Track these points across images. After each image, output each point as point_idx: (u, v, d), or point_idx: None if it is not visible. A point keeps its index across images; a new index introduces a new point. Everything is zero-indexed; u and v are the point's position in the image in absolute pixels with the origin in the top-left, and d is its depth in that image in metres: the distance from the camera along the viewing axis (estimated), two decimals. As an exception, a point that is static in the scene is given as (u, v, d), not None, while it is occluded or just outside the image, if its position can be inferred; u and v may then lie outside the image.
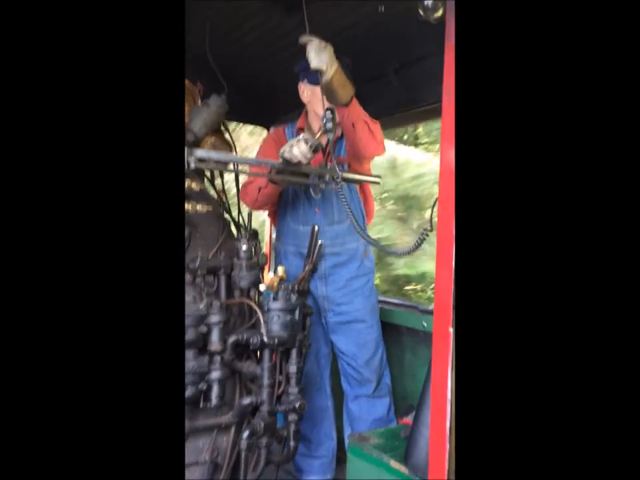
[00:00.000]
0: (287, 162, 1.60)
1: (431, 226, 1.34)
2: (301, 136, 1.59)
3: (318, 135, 1.62)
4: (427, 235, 1.34)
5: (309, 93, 1.87)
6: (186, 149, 1.43)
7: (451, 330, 0.94)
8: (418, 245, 1.32)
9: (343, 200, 1.56)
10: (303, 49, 1.65)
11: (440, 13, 1.32)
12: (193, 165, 1.42)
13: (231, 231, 1.90)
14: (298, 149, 1.56)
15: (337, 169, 1.59)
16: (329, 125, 1.51)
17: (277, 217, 2.06)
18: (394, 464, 1.34)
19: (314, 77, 1.69)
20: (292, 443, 1.67)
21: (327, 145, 1.84)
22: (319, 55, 1.53)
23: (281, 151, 1.60)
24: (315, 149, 1.58)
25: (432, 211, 1.20)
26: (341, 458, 2.14)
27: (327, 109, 1.55)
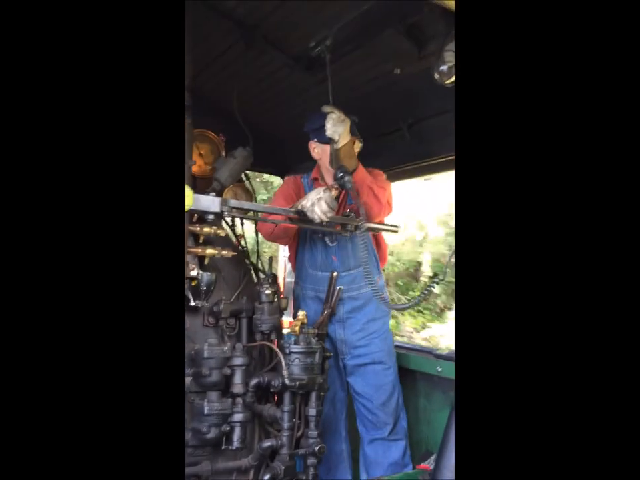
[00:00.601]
0: (305, 215, 1.71)
1: (444, 275, 1.42)
2: (322, 194, 1.69)
3: (334, 193, 1.73)
4: (435, 285, 1.43)
5: (319, 151, 1.97)
6: (219, 198, 1.52)
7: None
8: (423, 298, 1.39)
9: (362, 243, 1.66)
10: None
11: (454, 78, 1.44)
12: (226, 214, 1.51)
13: (251, 275, 1.98)
14: (319, 209, 1.68)
15: (357, 218, 1.69)
16: (348, 184, 1.65)
17: (296, 262, 2.14)
18: (415, 508, 1.36)
19: (324, 136, 1.84)
20: (310, 487, 1.68)
21: (341, 196, 1.94)
22: (335, 126, 1.76)
23: (302, 205, 1.70)
24: (333, 209, 1.70)
25: (448, 260, 1.26)
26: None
27: (338, 168, 1.69)
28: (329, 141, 1.80)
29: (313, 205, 1.67)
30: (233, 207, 1.52)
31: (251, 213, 1.87)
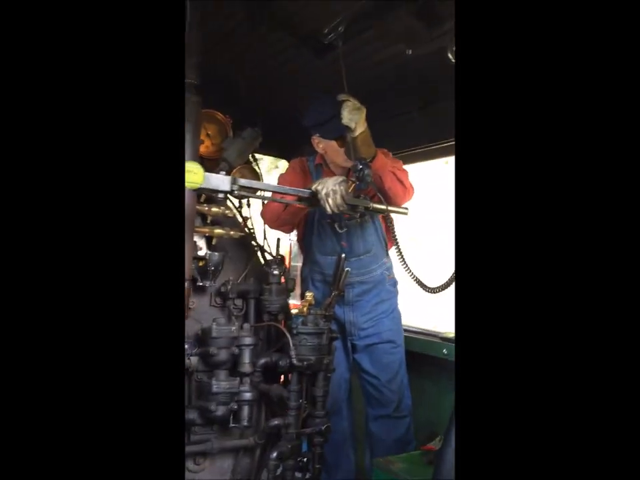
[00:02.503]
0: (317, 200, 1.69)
1: None
2: (339, 186, 1.65)
3: (351, 187, 1.69)
4: None
5: (323, 146, 1.94)
6: (229, 177, 1.51)
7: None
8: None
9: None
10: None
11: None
12: (236, 193, 1.51)
13: (258, 257, 1.98)
14: (333, 202, 1.64)
15: (366, 200, 1.68)
16: (368, 178, 1.62)
17: (304, 246, 2.14)
18: (420, 488, 1.37)
19: (327, 132, 1.83)
20: (316, 466, 1.69)
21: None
22: (352, 114, 1.68)
23: (316, 189, 1.67)
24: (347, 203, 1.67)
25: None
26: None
27: (358, 160, 1.65)
28: (331, 136, 1.77)
29: (327, 195, 1.64)
30: (243, 186, 1.51)
31: (260, 193, 1.86)
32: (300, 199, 1.71)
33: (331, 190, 1.64)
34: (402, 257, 1.75)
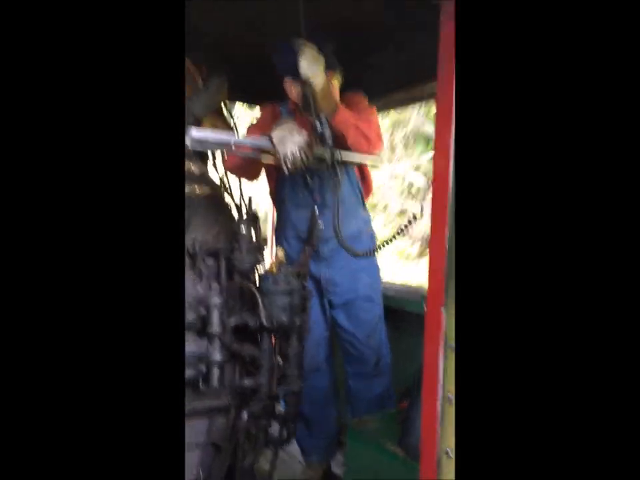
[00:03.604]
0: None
1: (421, 214, 1.33)
2: (299, 143, 1.54)
3: (312, 144, 1.57)
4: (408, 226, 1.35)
5: (297, 90, 1.80)
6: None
7: (443, 310, 0.93)
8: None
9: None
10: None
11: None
12: (189, 146, 1.41)
13: (231, 214, 1.90)
14: (292, 164, 1.53)
15: (336, 152, 1.57)
16: (326, 132, 1.50)
17: (277, 201, 2.05)
18: (390, 446, 1.35)
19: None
20: (290, 425, 1.68)
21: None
22: (311, 66, 1.53)
23: (274, 142, 1.56)
24: (309, 163, 1.55)
25: (423, 199, 1.17)
26: (342, 440, 2.16)
27: (317, 118, 1.53)
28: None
29: (286, 156, 1.52)
30: (197, 139, 1.41)
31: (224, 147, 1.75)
32: (261, 151, 1.61)
33: (290, 152, 1.52)
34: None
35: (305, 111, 1.69)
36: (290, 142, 1.53)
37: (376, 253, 1.48)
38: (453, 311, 0.92)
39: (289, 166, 1.53)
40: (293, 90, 1.82)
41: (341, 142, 1.65)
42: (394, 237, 1.45)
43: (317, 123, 1.52)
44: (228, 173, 1.92)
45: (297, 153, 1.52)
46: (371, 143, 1.73)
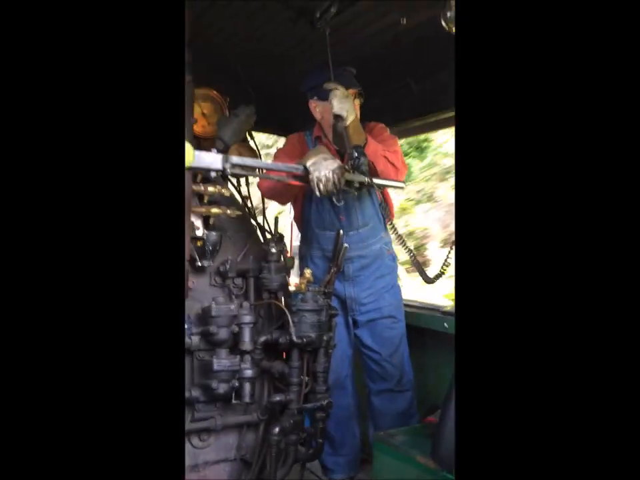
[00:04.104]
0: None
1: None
2: (332, 173, 1.62)
3: (344, 174, 1.66)
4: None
5: (320, 109, 1.93)
6: (221, 155, 1.50)
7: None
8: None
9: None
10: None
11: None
12: (229, 171, 1.49)
13: (257, 235, 1.97)
14: (324, 188, 1.61)
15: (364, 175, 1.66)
16: (364, 167, 1.62)
17: (302, 222, 2.13)
18: (420, 459, 1.39)
19: (324, 93, 1.78)
20: (318, 441, 1.71)
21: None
22: (342, 103, 1.67)
23: (309, 169, 1.64)
24: (338, 189, 1.64)
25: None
26: (365, 458, 2.18)
27: (354, 147, 1.64)
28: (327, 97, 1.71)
29: (319, 180, 1.61)
30: (235, 164, 1.49)
31: (256, 172, 1.84)
32: (293, 176, 1.70)
33: (323, 176, 1.62)
34: (398, 235, 1.72)
35: (335, 144, 1.79)
36: (323, 167, 1.62)
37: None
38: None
39: (322, 189, 1.62)
40: (316, 109, 1.93)
41: (371, 170, 1.75)
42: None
43: (353, 152, 1.61)
44: (251, 196, 2.00)
45: (330, 175, 1.60)
46: (398, 171, 1.85)
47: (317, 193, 1.63)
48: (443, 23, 1.43)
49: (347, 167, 1.65)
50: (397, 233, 1.71)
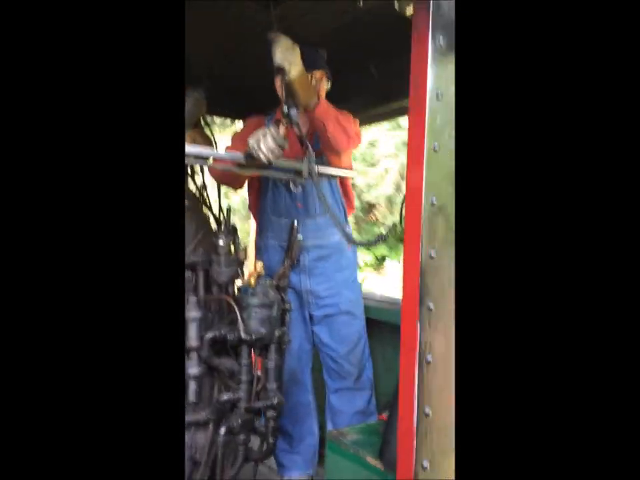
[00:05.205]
0: (252, 157, 1.58)
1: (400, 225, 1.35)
2: (267, 130, 1.54)
3: (283, 130, 1.58)
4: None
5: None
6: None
7: (418, 324, 0.93)
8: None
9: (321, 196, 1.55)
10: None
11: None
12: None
13: (210, 227, 1.89)
14: (265, 146, 1.53)
15: (315, 162, 1.58)
16: (294, 117, 1.53)
17: (258, 210, 2.05)
18: (370, 460, 1.34)
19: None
20: (270, 440, 1.66)
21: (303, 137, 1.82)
22: (284, 54, 1.53)
23: (250, 143, 1.57)
24: (282, 147, 1.56)
25: (401, 210, 1.17)
26: (322, 454, 2.14)
27: (285, 101, 1.55)
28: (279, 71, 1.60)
29: (258, 141, 1.53)
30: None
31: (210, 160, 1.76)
32: (239, 165, 1.62)
33: (261, 135, 1.53)
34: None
35: (286, 104, 1.69)
36: (259, 133, 1.55)
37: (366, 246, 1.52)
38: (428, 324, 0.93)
39: (264, 151, 1.54)
40: (279, 85, 1.84)
41: (321, 133, 1.67)
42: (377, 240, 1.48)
43: (285, 107, 1.53)
44: (207, 186, 1.92)
45: (267, 135, 1.53)
46: (350, 138, 1.76)
47: (262, 157, 1.54)
48: (396, 5, 1.35)
49: (282, 122, 1.57)
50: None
